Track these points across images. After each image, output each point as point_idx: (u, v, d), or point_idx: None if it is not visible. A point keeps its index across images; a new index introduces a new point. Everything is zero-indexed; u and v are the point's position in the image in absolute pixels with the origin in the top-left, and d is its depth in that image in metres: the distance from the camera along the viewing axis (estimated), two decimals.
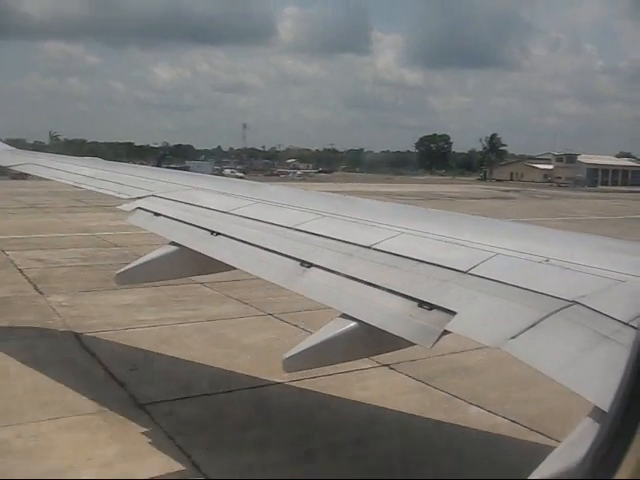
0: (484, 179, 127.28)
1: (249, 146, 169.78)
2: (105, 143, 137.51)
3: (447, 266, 4.12)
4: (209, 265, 6.16)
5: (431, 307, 3.76)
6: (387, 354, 5.63)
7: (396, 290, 4.06)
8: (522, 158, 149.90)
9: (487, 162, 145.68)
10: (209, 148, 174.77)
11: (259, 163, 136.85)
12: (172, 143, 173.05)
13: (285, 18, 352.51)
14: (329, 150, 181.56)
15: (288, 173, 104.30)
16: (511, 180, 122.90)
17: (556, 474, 2.50)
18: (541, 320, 3.26)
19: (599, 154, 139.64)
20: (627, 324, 2.96)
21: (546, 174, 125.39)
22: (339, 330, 4.10)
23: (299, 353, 4.16)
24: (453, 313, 3.62)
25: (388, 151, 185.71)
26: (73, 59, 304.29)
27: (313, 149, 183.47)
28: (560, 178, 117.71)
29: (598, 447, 1.62)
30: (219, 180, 11.81)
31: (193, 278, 11.61)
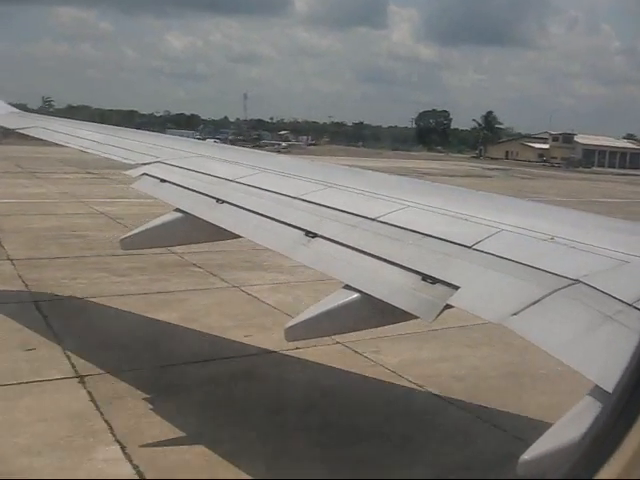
0: (479, 157, 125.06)
1: (257, 117, 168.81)
2: (110, 110, 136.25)
3: (452, 240, 4.11)
4: (214, 233, 6.17)
5: (434, 281, 3.76)
6: None
7: (400, 263, 4.06)
8: (520, 136, 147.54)
9: (482, 140, 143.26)
10: (216, 118, 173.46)
11: (252, 134, 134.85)
12: (183, 112, 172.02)
13: None
14: (336, 123, 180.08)
15: (274, 144, 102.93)
16: (506, 159, 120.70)
17: (550, 452, 2.52)
18: (543, 298, 3.26)
19: (610, 135, 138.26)
20: (630, 305, 2.96)
21: (541, 153, 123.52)
22: (342, 301, 4.11)
23: (301, 322, 4.18)
24: (456, 287, 3.62)
25: (396, 126, 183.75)
26: (86, 25, 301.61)
27: (321, 122, 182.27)
28: (556, 158, 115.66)
29: (600, 426, 1.62)
30: (227, 149, 11.76)
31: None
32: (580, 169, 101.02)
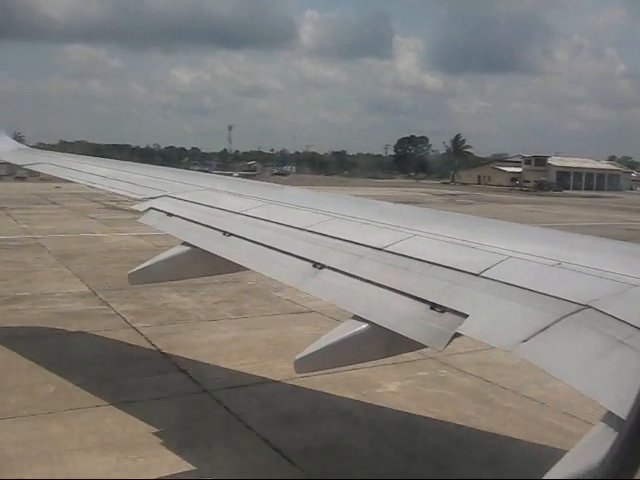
0: (450, 182, 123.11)
1: (257, 149, 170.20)
2: (105, 145, 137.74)
3: (459, 269, 4.11)
4: (221, 265, 6.18)
5: (443, 309, 3.75)
6: None
7: (408, 292, 4.06)
8: (492, 160, 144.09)
9: (454, 164, 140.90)
10: (216, 151, 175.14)
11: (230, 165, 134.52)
12: (188, 146, 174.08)
13: (306, 22, 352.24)
14: (337, 153, 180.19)
15: (231, 174, 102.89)
16: (478, 184, 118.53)
17: (570, 477, 2.49)
18: (553, 323, 3.24)
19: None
20: None
21: (514, 177, 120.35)
22: (351, 332, 4.10)
23: (311, 354, 4.16)
24: (465, 316, 3.61)
25: (380, 155, 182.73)
26: (95, 62, 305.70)
27: (322, 152, 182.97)
28: (529, 181, 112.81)
29: (615, 454, 1.60)
30: (232, 181, 11.83)
31: None
32: (550, 192, 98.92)
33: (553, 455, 2.67)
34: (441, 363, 10.90)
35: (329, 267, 4.76)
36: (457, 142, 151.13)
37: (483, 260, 4.15)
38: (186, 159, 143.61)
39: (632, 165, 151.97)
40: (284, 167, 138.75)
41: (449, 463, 7.30)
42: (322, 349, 4.14)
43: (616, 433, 2.39)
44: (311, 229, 5.52)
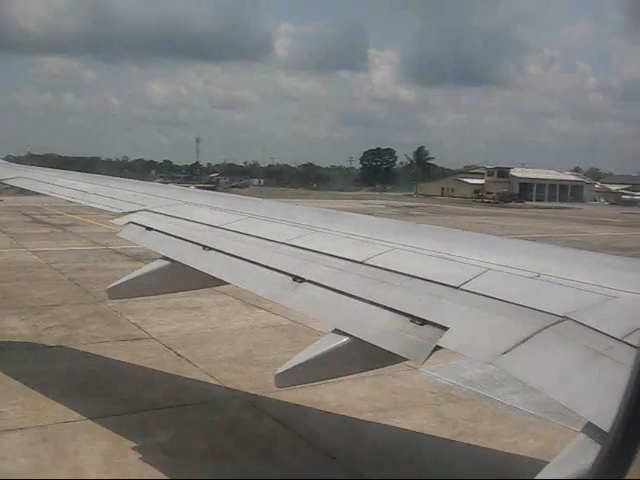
0: (414, 195, 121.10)
1: (229, 161, 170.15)
2: (75, 158, 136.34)
3: (439, 281, 4.12)
4: (201, 280, 6.14)
5: (423, 322, 3.76)
6: None
7: (388, 306, 4.06)
8: (456, 172, 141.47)
9: (414, 177, 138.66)
10: (189, 163, 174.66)
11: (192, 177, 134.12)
12: (160, 159, 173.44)
13: (282, 35, 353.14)
14: (306, 165, 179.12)
15: (188, 186, 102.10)
16: (442, 196, 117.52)
17: None
18: (533, 335, 3.25)
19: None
20: (620, 340, 2.96)
21: (477, 189, 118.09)
22: (331, 345, 4.09)
23: (291, 368, 4.14)
24: (445, 328, 3.61)
25: (353, 167, 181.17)
26: (70, 74, 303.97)
27: (294, 165, 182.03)
28: (491, 193, 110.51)
29: (598, 466, 1.61)
30: (212, 195, 11.80)
31: None
32: (512, 204, 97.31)
33: None
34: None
35: (309, 281, 4.75)
36: (420, 154, 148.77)
37: (462, 273, 4.17)
38: (153, 172, 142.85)
39: (599, 176, 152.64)
40: (243, 180, 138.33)
41: None
42: (302, 363, 4.13)
43: (597, 444, 2.40)
44: (291, 242, 5.52)
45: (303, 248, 5.34)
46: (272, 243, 5.66)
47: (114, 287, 6.66)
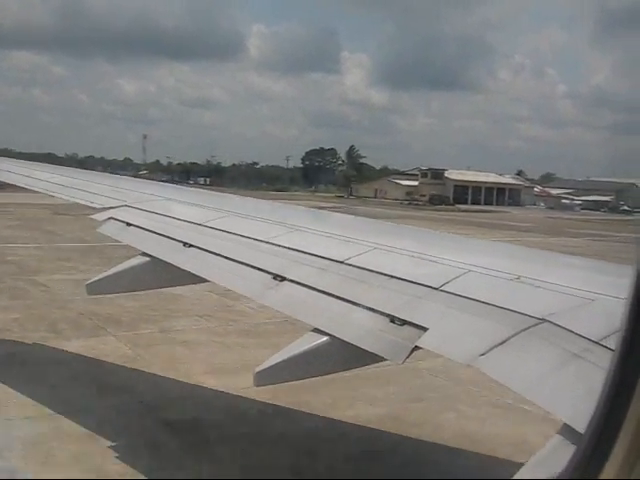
0: (346, 196, 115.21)
1: (193, 161, 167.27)
2: (30, 154, 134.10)
3: (419, 282, 4.13)
4: (181, 277, 6.10)
5: (403, 323, 3.76)
6: None
7: (368, 305, 4.06)
8: (390, 173, 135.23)
9: (347, 177, 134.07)
10: (150, 161, 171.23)
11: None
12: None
13: (254, 35, 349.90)
14: (250, 165, 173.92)
15: None
16: (375, 197, 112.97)
17: None
18: (511, 337, 3.27)
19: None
20: (597, 343, 2.98)
21: (409, 191, 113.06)
22: (311, 344, 4.08)
23: (270, 367, 4.13)
24: (424, 329, 3.62)
25: (294, 167, 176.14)
26: (38, 69, 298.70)
27: (260, 165, 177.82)
28: (424, 195, 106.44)
29: (573, 467, 1.61)
30: (193, 192, 11.75)
31: None
32: (442, 207, 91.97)
33: None
34: None
35: (290, 280, 4.74)
36: (351, 153, 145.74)
37: (443, 274, 4.18)
38: (99, 169, 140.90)
39: (551, 181, 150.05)
40: (166, 177, 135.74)
41: None
42: (282, 362, 4.12)
43: (572, 445, 2.41)
44: (272, 241, 5.50)
45: (284, 247, 5.32)
46: (253, 241, 5.64)
47: (93, 283, 6.60)
